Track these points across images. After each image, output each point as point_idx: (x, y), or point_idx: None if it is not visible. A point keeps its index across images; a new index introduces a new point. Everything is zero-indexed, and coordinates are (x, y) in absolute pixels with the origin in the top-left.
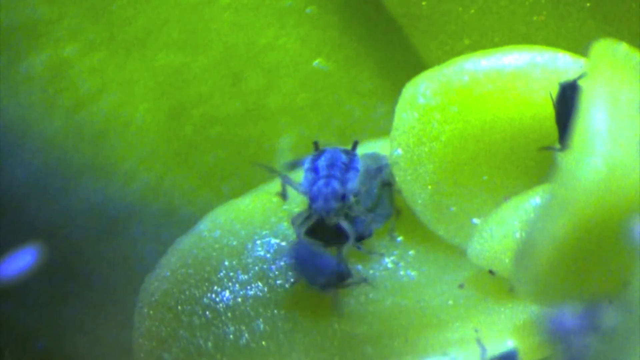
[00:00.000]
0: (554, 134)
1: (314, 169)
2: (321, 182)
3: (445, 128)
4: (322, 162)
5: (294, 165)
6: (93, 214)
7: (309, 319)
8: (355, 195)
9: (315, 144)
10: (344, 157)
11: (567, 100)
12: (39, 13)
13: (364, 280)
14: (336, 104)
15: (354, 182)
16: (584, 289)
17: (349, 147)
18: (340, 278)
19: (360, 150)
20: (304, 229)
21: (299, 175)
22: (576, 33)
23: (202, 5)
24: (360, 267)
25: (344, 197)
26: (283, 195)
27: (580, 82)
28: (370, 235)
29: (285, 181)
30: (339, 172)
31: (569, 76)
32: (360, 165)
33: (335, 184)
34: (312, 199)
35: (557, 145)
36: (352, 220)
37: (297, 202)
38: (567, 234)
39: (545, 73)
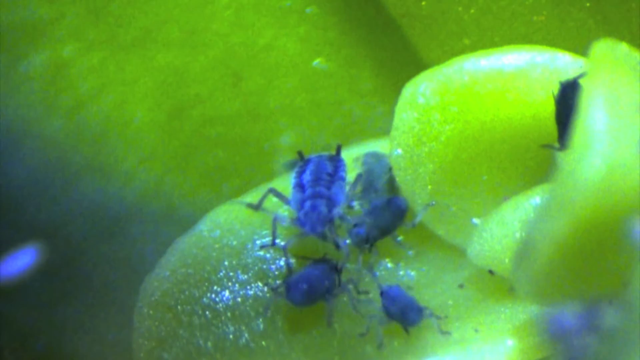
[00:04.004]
0: (554, 134)
1: (300, 184)
2: (307, 205)
3: (445, 128)
4: (307, 176)
5: (294, 164)
6: (93, 214)
7: (309, 319)
8: (349, 203)
9: (300, 154)
10: (329, 167)
11: (567, 98)
12: (39, 13)
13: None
14: (336, 103)
15: (341, 194)
16: (584, 289)
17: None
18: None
19: (361, 150)
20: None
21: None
22: (576, 33)
23: (201, 5)
24: (359, 267)
25: (331, 218)
26: (256, 207)
27: (581, 81)
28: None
29: (279, 197)
30: (325, 186)
31: (569, 76)
32: (345, 171)
33: (322, 206)
34: (301, 224)
35: (557, 145)
36: (352, 227)
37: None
38: (567, 234)
39: (545, 73)
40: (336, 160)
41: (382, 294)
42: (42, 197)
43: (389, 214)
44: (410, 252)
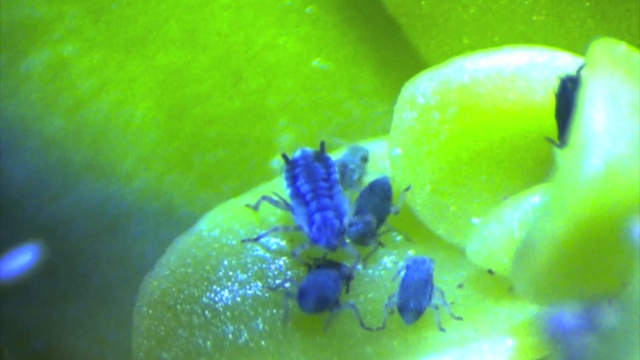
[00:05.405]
0: (553, 134)
1: (299, 194)
2: (318, 220)
3: (445, 128)
4: (303, 185)
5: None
6: (93, 213)
7: (308, 319)
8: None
9: (284, 156)
10: (320, 170)
11: (567, 94)
12: (39, 13)
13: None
14: (336, 103)
15: (345, 202)
16: (583, 289)
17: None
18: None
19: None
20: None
21: None
22: (576, 33)
23: (201, 4)
24: (359, 267)
25: (344, 230)
26: (255, 207)
27: (580, 75)
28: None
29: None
30: (327, 195)
31: (568, 73)
32: (336, 170)
33: (333, 220)
34: (314, 240)
35: (557, 142)
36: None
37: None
38: (566, 233)
39: (545, 73)
40: (325, 160)
41: (412, 261)
42: (42, 196)
43: (375, 197)
44: (410, 252)
